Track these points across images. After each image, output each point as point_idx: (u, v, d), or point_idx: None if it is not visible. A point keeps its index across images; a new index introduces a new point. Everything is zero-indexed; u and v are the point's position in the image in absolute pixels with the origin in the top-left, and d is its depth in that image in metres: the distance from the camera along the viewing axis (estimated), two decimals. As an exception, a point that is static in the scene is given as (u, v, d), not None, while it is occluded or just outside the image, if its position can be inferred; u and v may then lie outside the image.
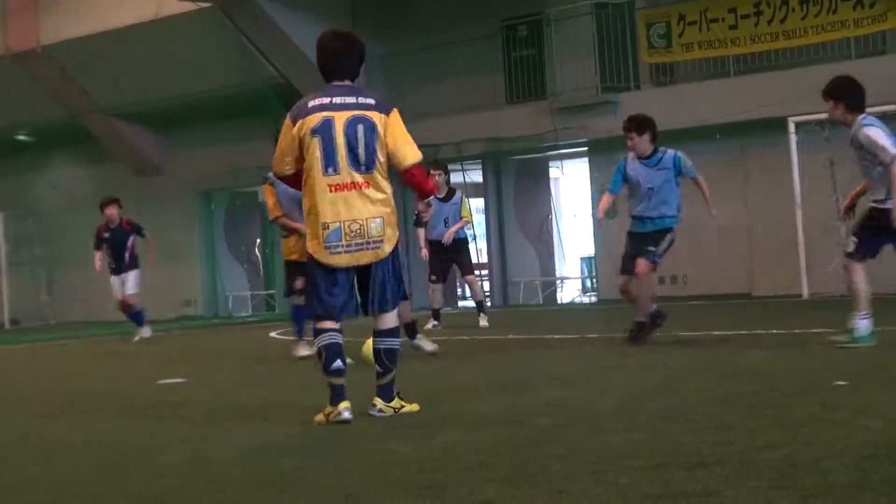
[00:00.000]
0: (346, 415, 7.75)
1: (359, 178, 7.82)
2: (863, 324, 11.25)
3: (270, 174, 14.43)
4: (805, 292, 21.12)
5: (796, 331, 13.62)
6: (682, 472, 5.41)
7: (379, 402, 8.05)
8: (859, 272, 11.34)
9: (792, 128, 21.46)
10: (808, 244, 21.33)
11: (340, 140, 7.83)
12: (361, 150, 7.84)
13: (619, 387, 9.07)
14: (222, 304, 31.88)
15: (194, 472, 6.37)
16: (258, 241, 33.23)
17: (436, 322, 18.85)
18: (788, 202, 21.55)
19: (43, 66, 30.98)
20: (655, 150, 13.13)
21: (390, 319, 8.06)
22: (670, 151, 13.13)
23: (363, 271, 7.97)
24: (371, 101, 7.99)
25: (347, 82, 8.11)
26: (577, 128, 24.83)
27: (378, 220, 7.84)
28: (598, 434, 6.70)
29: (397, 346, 8.13)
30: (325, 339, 7.90)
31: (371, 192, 7.84)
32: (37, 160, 35.53)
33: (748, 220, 22.97)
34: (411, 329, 13.05)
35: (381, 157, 7.91)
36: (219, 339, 20.72)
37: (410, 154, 8.07)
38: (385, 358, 8.04)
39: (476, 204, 29.16)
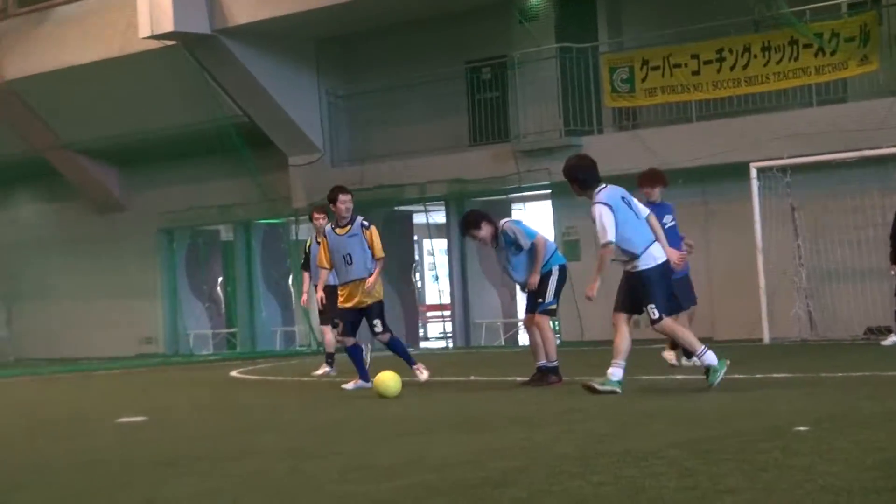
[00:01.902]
0: None
1: None
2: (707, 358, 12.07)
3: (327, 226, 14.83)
4: (766, 337, 21.18)
5: (757, 375, 13.64)
6: (643, 517, 5.40)
7: None
8: (668, 323, 12.17)
9: (754, 173, 21.56)
10: (770, 289, 21.42)
11: None
12: None
13: (580, 429, 9.06)
14: (183, 343, 31.72)
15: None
16: (220, 279, 33.12)
17: (328, 368, 18.25)
18: (750, 247, 21.64)
19: (7, 102, 30.87)
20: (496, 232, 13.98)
21: None
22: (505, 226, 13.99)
23: None
24: None
25: None
26: (539, 171, 24.87)
27: None
28: (559, 477, 6.68)
29: None
30: None
31: None
32: (-1, 195, 35.37)
33: (710, 264, 23.02)
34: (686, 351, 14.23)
35: None
36: (179, 377, 20.60)
37: None
38: None
39: (439, 245, 29.20)
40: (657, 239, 12.31)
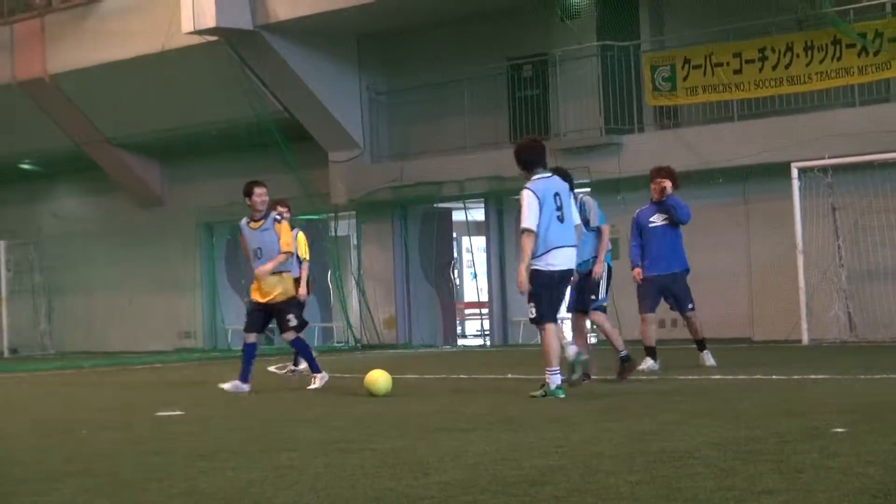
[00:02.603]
0: None
1: None
2: (553, 378, 11.99)
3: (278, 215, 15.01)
4: (805, 338, 21.10)
5: (795, 376, 13.60)
6: (679, 516, 5.39)
7: None
8: (549, 332, 12.12)
9: (795, 173, 21.48)
10: (809, 290, 21.33)
11: None
12: None
13: (618, 428, 9.05)
14: (221, 337, 31.84)
15: (190, 505, 6.37)
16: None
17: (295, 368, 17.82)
18: (790, 247, 21.56)
19: (49, 95, 31.07)
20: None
21: None
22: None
23: None
24: None
25: None
26: (580, 168, 24.82)
27: None
28: (596, 476, 6.68)
29: None
30: None
31: None
32: (41, 189, 35.59)
33: (749, 264, 22.95)
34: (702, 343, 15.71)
35: None
36: (217, 371, 20.68)
37: None
38: None
39: (478, 243, 29.20)
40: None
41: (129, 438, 9.85)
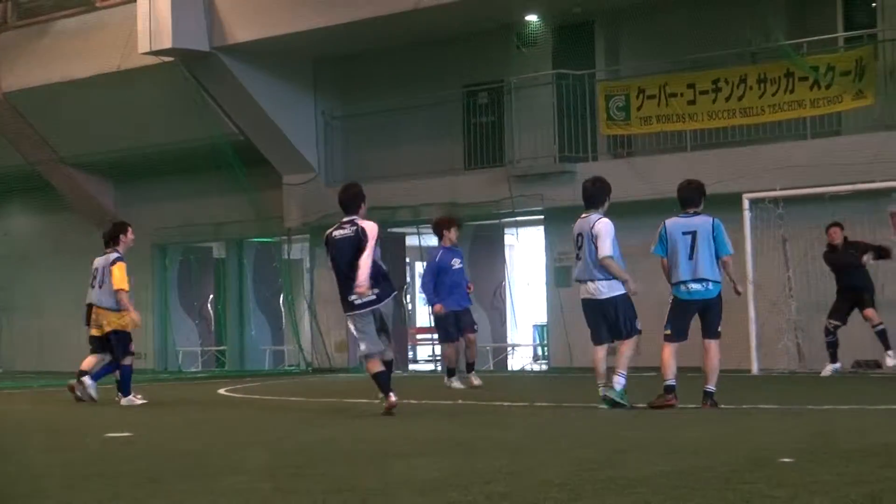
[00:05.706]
0: None
1: None
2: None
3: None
4: (755, 367, 21.21)
5: (744, 406, 13.68)
6: (625, 545, 5.42)
7: None
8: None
9: (746, 204, 21.62)
10: (759, 320, 21.45)
11: None
12: None
13: (567, 456, 9.08)
14: (172, 359, 31.70)
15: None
16: (211, 296, 33.11)
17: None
18: (740, 278, 21.67)
19: (3, 114, 30.88)
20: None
21: None
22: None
23: None
24: None
25: None
26: (533, 196, 24.91)
27: None
28: (545, 503, 6.70)
29: None
30: None
31: None
32: (-8, 207, 35.36)
33: (700, 293, 23.02)
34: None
35: None
36: (167, 393, 20.60)
37: None
38: None
39: (431, 267, 29.15)
40: None
41: (78, 460, 9.80)
